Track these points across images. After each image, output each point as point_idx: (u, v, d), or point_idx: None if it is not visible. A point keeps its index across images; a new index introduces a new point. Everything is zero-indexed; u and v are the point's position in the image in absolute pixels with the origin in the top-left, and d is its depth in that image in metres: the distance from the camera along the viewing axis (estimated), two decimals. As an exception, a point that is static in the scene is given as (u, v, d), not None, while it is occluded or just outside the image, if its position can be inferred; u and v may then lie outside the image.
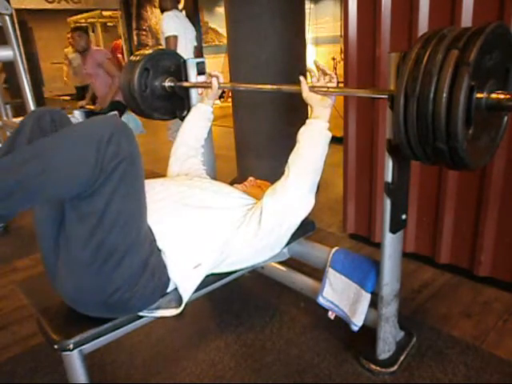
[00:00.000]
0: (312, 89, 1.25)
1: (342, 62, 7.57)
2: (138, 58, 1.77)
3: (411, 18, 1.78)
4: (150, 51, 1.80)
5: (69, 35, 4.51)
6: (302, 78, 1.27)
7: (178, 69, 1.85)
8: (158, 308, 1.15)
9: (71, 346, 1.05)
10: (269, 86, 1.49)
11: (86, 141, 0.90)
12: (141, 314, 1.14)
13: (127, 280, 1.04)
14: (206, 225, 1.23)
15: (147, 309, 1.14)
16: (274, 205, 1.23)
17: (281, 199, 1.23)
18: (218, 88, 1.64)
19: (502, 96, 0.93)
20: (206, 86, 1.68)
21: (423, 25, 1.75)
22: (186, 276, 1.17)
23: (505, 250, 1.77)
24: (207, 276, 1.23)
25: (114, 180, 0.93)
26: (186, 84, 1.82)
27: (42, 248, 1.14)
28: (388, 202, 1.24)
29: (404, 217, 1.29)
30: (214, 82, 1.62)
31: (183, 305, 1.16)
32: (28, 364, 1.55)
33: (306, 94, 1.26)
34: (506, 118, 1.10)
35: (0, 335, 1.73)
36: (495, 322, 1.64)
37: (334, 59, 9.37)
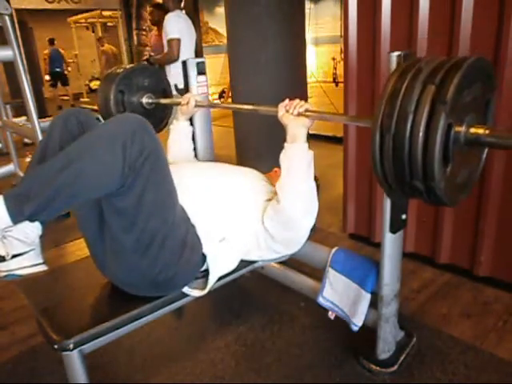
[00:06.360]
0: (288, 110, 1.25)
1: (341, 62, 7.58)
2: (112, 77, 1.76)
3: (411, 18, 1.79)
4: (123, 70, 1.78)
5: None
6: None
7: (154, 84, 1.86)
8: (194, 288, 1.24)
9: (71, 346, 1.05)
10: (246, 107, 1.51)
11: (112, 144, 0.96)
12: (183, 291, 1.23)
13: (171, 259, 1.13)
14: (229, 203, 1.30)
15: (188, 285, 1.23)
16: (275, 227, 1.27)
17: (279, 223, 1.26)
18: (195, 106, 1.64)
19: (480, 131, 0.88)
20: (183, 103, 1.66)
21: (423, 25, 1.75)
22: (215, 248, 1.24)
23: (505, 250, 1.77)
24: None
25: (143, 175, 1.01)
26: (163, 101, 1.82)
27: (86, 238, 1.23)
28: (388, 202, 1.24)
29: (404, 217, 1.29)
30: (192, 100, 1.63)
31: (212, 281, 1.24)
32: (28, 364, 1.55)
33: (282, 114, 1.26)
34: (485, 151, 1.06)
35: (0, 335, 1.73)
36: (495, 323, 1.64)
37: (334, 59, 9.38)
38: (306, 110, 1.23)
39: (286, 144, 1.25)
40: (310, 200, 1.25)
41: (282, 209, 1.22)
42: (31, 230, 0.98)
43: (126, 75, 1.78)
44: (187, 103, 1.64)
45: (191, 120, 1.78)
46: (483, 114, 1.00)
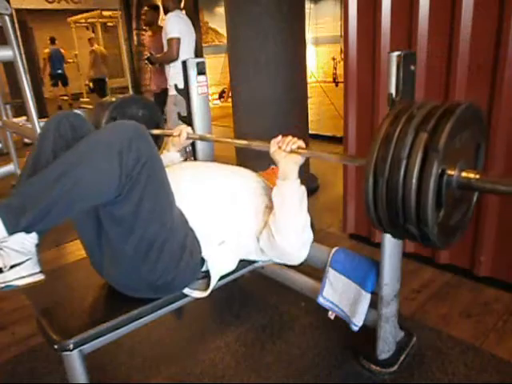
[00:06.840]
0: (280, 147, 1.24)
1: (341, 62, 7.58)
2: (104, 105, 1.76)
3: (411, 18, 1.79)
4: (116, 99, 1.79)
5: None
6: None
7: (147, 114, 1.87)
8: (195, 289, 1.24)
9: (71, 346, 1.05)
10: (239, 142, 1.51)
11: (109, 152, 0.95)
12: (184, 292, 1.23)
13: (170, 264, 1.12)
14: (227, 206, 1.29)
15: (189, 287, 1.23)
16: (271, 253, 1.29)
17: (273, 251, 1.28)
18: (186, 139, 1.61)
19: (471, 175, 0.89)
20: (175, 135, 1.64)
21: (423, 25, 1.75)
22: (214, 251, 1.24)
23: (505, 250, 1.77)
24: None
25: (141, 183, 1.00)
26: (155, 132, 1.82)
27: (84, 243, 1.23)
28: (388, 202, 1.24)
29: (404, 217, 1.29)
30: (184, 132, 1.60)
31: (213, 283, 1.23)
32: (28, 364, 1.56)
33: (274, 150, 1.25)
34: (476, 194, 1.07)
35: (0, 335, 1.73)
36: (495, 323, 1.64)
37: (334, 59, 9.39)
38: (299, 148, 1.22)
39: (277, 181, 1.25)
40: (304, 233, 1.26)
41: (277, 243, 1.23)
42: (27, 240, 0.97)
43: (121, 104, 1.79)
44: (179, 135, 1.61)
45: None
46: (475, 158, 1.01)
